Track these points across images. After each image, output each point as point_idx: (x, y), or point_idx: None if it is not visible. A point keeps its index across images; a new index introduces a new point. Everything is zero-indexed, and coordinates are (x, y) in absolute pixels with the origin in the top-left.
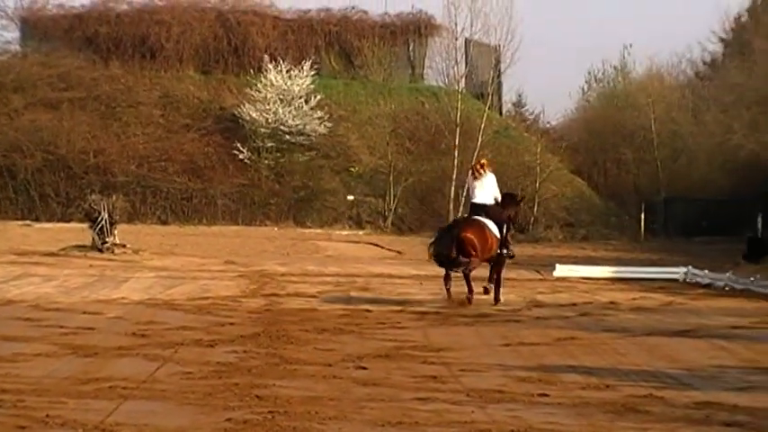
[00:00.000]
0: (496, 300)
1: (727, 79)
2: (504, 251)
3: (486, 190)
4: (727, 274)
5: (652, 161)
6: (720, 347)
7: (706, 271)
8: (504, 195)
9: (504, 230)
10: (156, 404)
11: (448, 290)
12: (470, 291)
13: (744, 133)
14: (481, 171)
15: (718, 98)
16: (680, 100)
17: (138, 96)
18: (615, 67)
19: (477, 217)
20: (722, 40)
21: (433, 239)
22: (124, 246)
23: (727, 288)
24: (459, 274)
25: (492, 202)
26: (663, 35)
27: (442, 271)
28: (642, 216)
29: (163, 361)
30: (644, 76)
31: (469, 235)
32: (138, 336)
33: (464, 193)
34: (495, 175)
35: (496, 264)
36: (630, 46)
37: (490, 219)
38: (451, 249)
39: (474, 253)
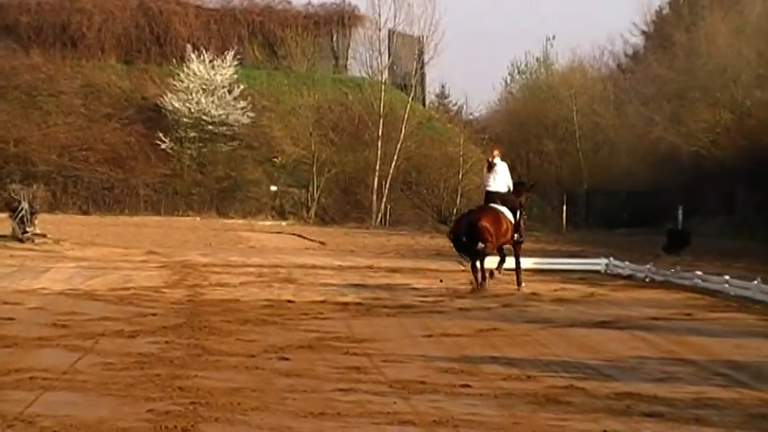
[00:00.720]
0: (519, 283)
1: (649, 72)
2: (516, 236)
3: (500, 178)
4: (648, 266)
5: (574, 153)
6: (641, 339)
7: (627, 262)
8: (515, 183)
9: (518, 216)
10: (77, 395)
11: (476, 278)
12: (483, 277)
13: (664, 126)
14: (494, 162)
15: (640, 90)
16: (602, 92)
17: (60, 85)
18: (538, 59)
19: (492, 204)
20: (644, 32)
21: (451, 226)
22: (45, 236)
23: (647, 279)
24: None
25: (505, 189)
26: (585, 27)
27: (363, 261)
28: (564, 208)
29: (84, 352)
30: (566, 68)
31: (485, 223)
32: (58, 326)
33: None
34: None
35: (514, 248)
36: (553, 38)
37: (504, 205)
38: (469, 235)
39: (490, 239)
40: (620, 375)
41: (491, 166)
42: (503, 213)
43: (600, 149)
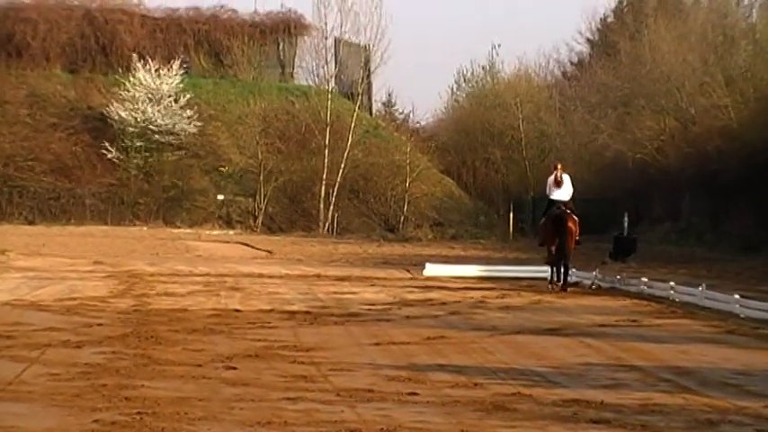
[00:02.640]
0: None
1: (594, 80)
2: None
3: (565, 188)
4: (594, 273)
5: (520, 160)
6: (587, 345)
7: (573, 270)
8: None
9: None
10: (23, 406)
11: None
12: (560, 278)
13: (610, 133)
14: (562, 176)
15: (585, 98)
16: (547, 100)
17: (4, 95)
18: (484, 67)
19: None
20: (589, 40)
21: (540, 236)
22: None
23: (594, 286)
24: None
25: (567, 198)
26: (531, 35)
27: (311, 270)
28: (511, 215)
29: (29, 362)
30: (512, 75)
31: (571, 224)
32: (3, 337)
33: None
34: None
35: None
36: (499, 46)
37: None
38: (561, 235)
39: (575, 238)
40: (567, 382)
41: (558, 181)
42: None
43: (546, 157)
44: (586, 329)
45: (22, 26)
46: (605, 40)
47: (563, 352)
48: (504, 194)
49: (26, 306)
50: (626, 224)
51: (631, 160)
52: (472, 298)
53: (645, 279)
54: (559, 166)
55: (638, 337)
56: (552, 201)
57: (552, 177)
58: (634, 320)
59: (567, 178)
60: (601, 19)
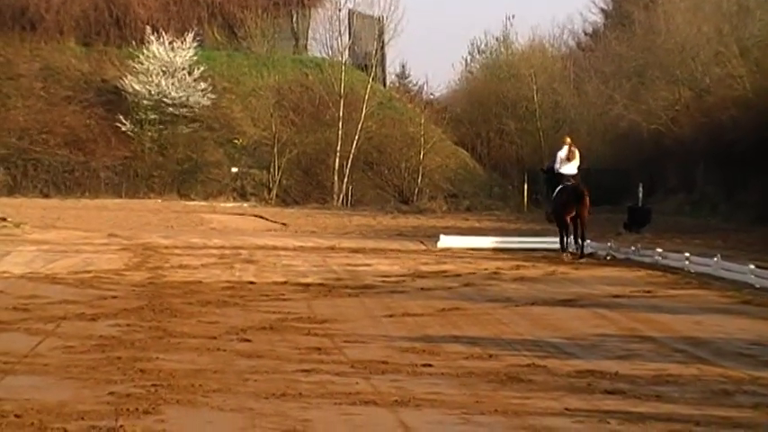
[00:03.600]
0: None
1: (608, 50)
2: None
3: (574, 163)
4: (609, 244)
5: (534, 131)
6: (602, 316)
7: (588, 240)
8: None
9: None
10: (38, 379)
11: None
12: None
13: (624, 103)
14: (573, 150)
15: (599, 69)
16: (561, 71)
17: (18, 68)
18: (497, 39)
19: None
20: (603, 10)
21: (554, 205)
22: (4, 219)
23: (608, 257)
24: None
25: (576, 172)
26: (544, 6)
27: (325, 242)
28: (525, 186)
29: (45, 335)
30: (526, 46)
31: (587, 195)
32: (19, 310)
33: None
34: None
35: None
36: (513, 17)
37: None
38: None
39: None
40: (582, 353)
41: (569, 156)
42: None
43: (560, 128)
44: (601, 300)
45: None
46: (619, 11)
47: (577, 323)
48: (518, 166)
49: (41, 279)
50: (640, 195)
51: (646, 131)
52: (486, 269)
53: (659, 250)
54: (569, 140)
55: (653, 307)
56: (562, 174)
57: (564, 151)
58: (648, 291)
59: (577, 153)
60: None
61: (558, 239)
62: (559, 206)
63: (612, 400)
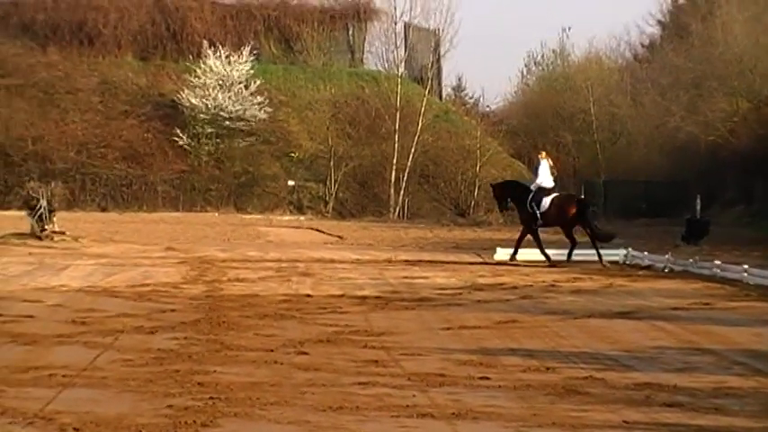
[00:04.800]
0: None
1: (665, 62)
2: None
3: (550, 177)
4: (667, 256)
5: (591, 144)
6: (660, 329)
7: (646, 252)
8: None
9: None
10: (97, 392)
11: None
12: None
13: (681, 115)
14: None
15: (656, 81)
16: (618, 83)
17: (77, 83)
18: (554, 51)
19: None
20: (660, 22)
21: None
22: (63, 233)
23: (666, 270)
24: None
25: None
26: (601, 18)
27: (381, 255)
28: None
29: (103, 348)
30: (582, 59)
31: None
32: (77, 323)
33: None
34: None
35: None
36: (569, 29)
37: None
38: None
39: None
40: (640, 366)
41: (552, 168)
42: None
43: (617, 140)
44: (659, 313)
45: (93, 14)
46: (677, 22)
47: (635, 335)
48: (574, 178)
49: (99, 292)
50: (698, 207)
51: (703, 142)
52: (543, 282)
53: (718, 262)
54: (545, 154)
55: (712, 320)
56: (542, 188)
57: (548, 165)
58: (707, 303)
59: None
60: (672, 1)
61: (615, 252)
62: (560, 216)
63: (671, 412)
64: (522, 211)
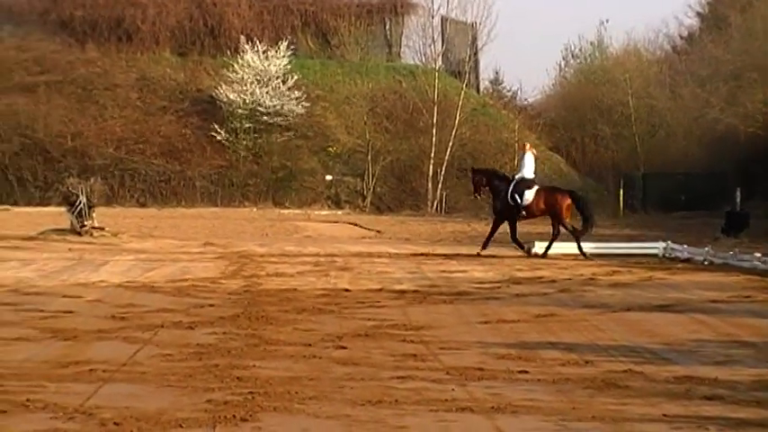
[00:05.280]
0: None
1: (704, 53)
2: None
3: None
4: (707, 249)
5: (630, 136)
6: (700, 322)
7: (685, 246)
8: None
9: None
10: (137, 387)
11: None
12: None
13: (721, 107)
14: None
15: (695, 72)
16: (657, 75)
17: (115, 79)
18: (592, 43)
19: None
20: (699, 14)
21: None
22: (103, 229)
23: (706, 262)
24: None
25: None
26: (639, 10)
27: (419, 249)
28: (621, 192)
29: (143, 343)
30: (621, 51)
31: None
32: (117, 319)
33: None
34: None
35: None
36: (607, 21)
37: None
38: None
39: None
40: (680, 359)
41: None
42: None
43: (656, 132)
44: (698, 306)
45: (131, 10)
46: (716, 13)
47: (675, 329)
48: (613, 171)
49: (139, 288)
50: (738, 199)
51: (743, 134)
52: (582, 275)
53: (758, 254)
54: (529, 146)
55: (752, 312)
56: (524, 180)
57: (533, 158)
58: (747, 296)
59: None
60: None
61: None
62: (561, 208)
63: (711, 406)
64: (498, 201)
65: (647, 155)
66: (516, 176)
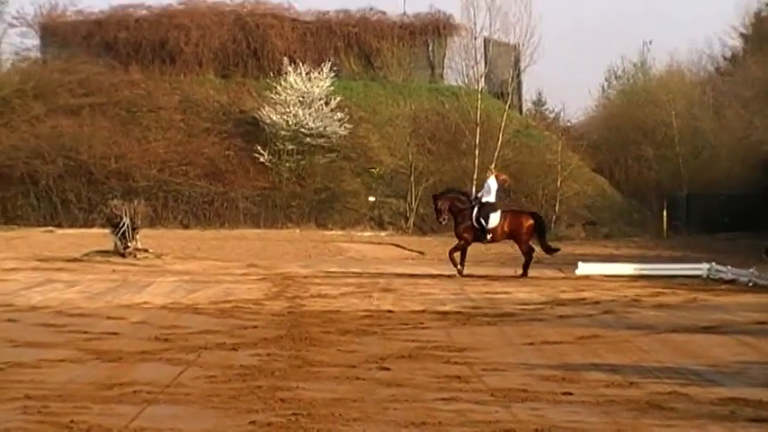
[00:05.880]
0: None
1: (748, 74)
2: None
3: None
4: (751, 270)
5: (673, 157)
6: (745, 343)
7: (729, 267)
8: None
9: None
10: (180, 408)
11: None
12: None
13: (765, 128)
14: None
15: (739, 93)
16: (700, 96)
17: (159, 101)
18: (635, 64)
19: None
20: (742, 35)
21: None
22: (146, 250)
23: (750, 284)
24: None
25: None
26: (682, 31)
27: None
28: (664, 213)
29: (186, 365)
30: (664, 72)
31: None
32: (161, 340)
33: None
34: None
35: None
36: (650, 42)
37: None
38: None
39: None
40: (725, 380)
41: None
42: None
43: (699, 153)
44: (744, 327)
45: (175, 32)
46: (759, 35)
47: (720, 350)
48: (656, 192)
49: (182, 309)
50: None
51: None
52: (626, 296)
53: None
54: (494, 171)
55: None
56: (488, 203)
57: (496, 183)
58: None
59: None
60: (755, 13)
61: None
62: (524, 233)
63: (756, 428)
64: (461, 224)
65: (691, 176)
66: (482, 200)
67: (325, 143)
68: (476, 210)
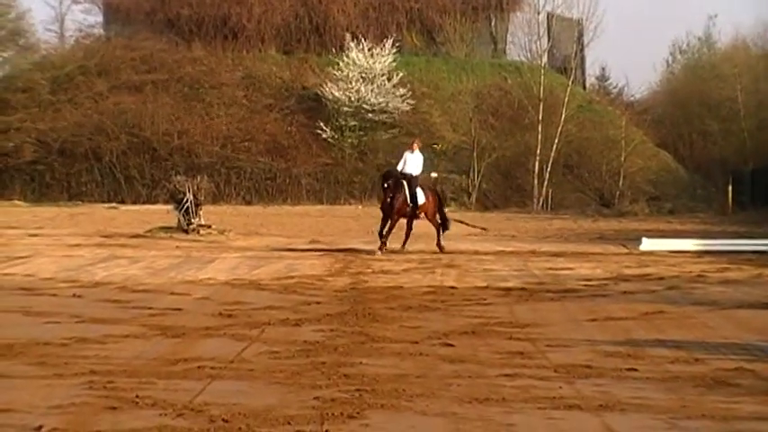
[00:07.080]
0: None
1: None
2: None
3: (417, 165)
4: None
5: (738, 132)
6: None
7: None
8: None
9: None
10: (244, 384)
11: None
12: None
13: None
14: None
15: None
16: (766, 70)
17: (221, 77)
18: (700, 38)
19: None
20: None
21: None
22: (209, 226)
23: None
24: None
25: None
26: (747, 4)
27: (525, 246)
28: (729, 188)
29: (250, 341)
30: (729, 46)
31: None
32: (224, 316)
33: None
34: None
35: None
36: (715, 16)
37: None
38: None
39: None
40: None
41: (412, 156)
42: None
43: (765, 128)
44: None
45: (237, 9)
46: None
47: None
48: (721, 167)
49: (245, 285)
50: None
51: None
52: (690, 272)
53: None
54: (416, 144)
55: None
56: (404, 173)
57: (409, 152)
58: None
59: (419, 156)
60: None
61: (764, 242)
62: (431, 207)
63: None
64: (396, 200)
65: (756, 150)
66: (412, 173)
67: (388, 119)
68: (407, 186)
